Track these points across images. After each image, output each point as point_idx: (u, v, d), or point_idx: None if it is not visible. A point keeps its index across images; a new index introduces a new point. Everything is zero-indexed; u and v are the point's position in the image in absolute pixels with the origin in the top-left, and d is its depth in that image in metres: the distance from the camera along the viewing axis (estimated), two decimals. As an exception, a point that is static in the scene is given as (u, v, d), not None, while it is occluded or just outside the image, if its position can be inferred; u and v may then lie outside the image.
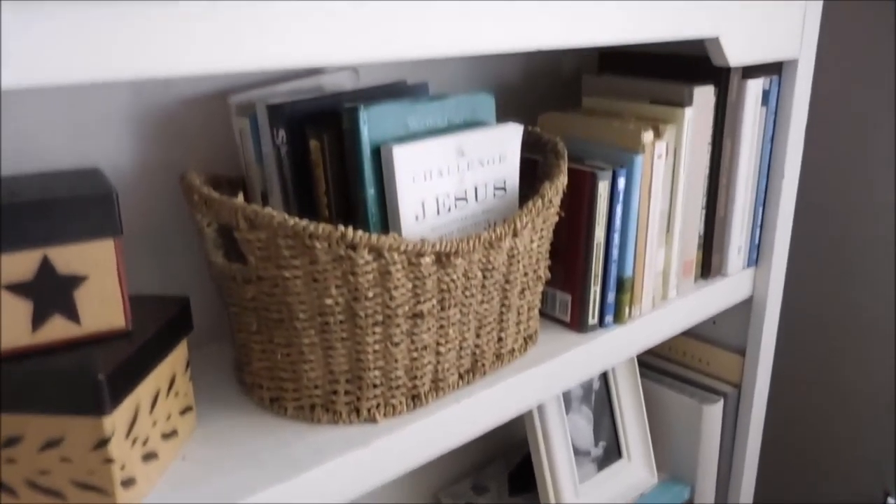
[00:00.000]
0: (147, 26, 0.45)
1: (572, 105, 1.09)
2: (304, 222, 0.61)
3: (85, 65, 0.43)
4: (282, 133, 0.72)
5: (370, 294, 0.65)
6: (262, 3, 0.49)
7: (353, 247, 0.62)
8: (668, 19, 0.79)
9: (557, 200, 0.79)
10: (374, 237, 0.63)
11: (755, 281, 1.11)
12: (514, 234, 0.73)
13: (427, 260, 0.66)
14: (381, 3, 0.56)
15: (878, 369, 1.36)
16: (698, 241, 1.02)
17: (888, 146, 1.27)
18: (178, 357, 0.65)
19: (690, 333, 1.20)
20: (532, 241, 0.77)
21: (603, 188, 0.85)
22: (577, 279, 0.88)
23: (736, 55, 0.89)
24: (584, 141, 0.92)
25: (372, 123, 0.68)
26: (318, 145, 0.70)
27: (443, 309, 0.70)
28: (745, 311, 1.13)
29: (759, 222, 1.08)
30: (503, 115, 1.06)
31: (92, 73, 0.43)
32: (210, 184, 0.74)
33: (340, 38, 0.54)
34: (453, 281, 0.69)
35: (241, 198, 0.64)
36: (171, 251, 0.80)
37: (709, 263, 1.04)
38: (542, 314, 0.92)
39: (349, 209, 0.72)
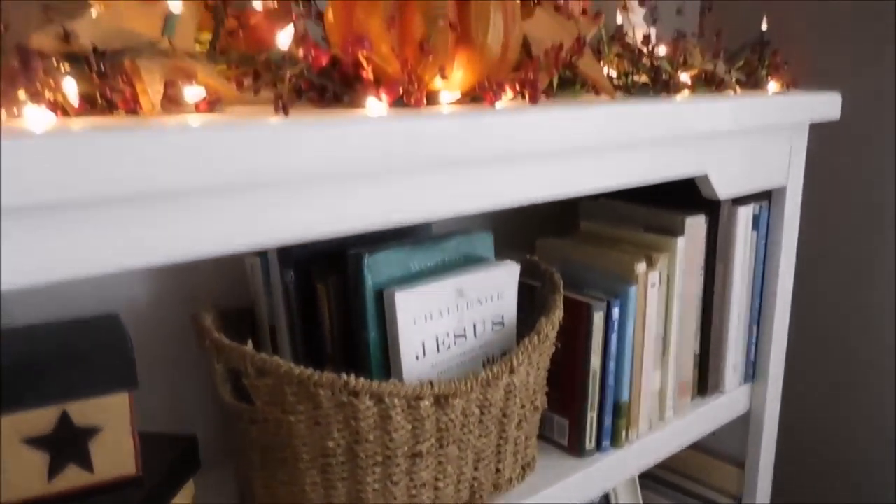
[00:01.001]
0: (158, 220, 0.49)
1: (570, 226, 1.13)
2: (309, 371, 0.65)
3: (104, 257, 0.47)
4: (290, 274, 0.76)
5: (371, 437, 0.67)
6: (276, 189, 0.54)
7: (355, 393, 0.65)
8: (657, 162, 0.83)
9: (553, 334, 0.82)
10: (375, 384, 0.66)
11: (752, 396, 1.13)
12: (511, 372, 0.76)
13: (426, 403, 0.69)
14: (396, 185, 0.60)
15: (880, 474, 1.36)
16: (694, 361, 1.04)
17: (885, 255, 1.30)
18: (185, 494, 0.68)
19: (690, 445, 1.21)
20: (529, 376, 0.80)
21: (598, 319, 0.88)
22: (574, 405, 0.91)
23: (724, 189, 0.94)
24: (580, 267, 0.95)
25: (375, 269, 0.72)
26: (325, 289, 0.74)
27: (441, 447, 0.72)
28: (743, 424, 1.14)
29: (754, 339, 1.10)
30: (504, 235, 1.11)
31: (110, 265, 0.47)
32: (220, 317, 0.78)
33: (353, 212, 0.59)
34: (451, 420, 0.72)
35: (249, 345, 0.67)
36: (182, 375, 0.83)
37: (705, 382, 1.06)
38: (541, 437, 0.94)
39: (353, 346, 0.75)
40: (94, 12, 0.53)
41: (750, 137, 0.95)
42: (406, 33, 0.62)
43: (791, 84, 1.04)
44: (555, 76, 0.75)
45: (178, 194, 0.49)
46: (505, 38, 0.65)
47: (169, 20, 0.52)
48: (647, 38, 0.91)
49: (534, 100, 0.65)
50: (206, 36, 0.62)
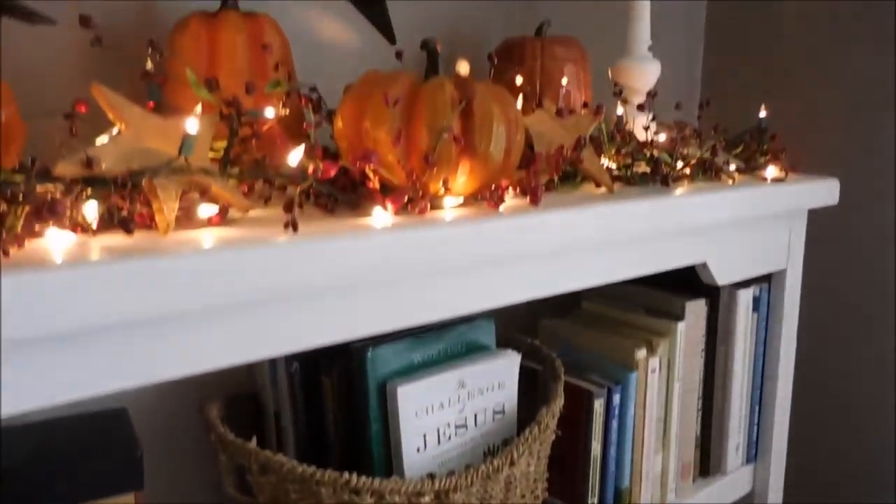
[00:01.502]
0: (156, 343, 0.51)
1: (572, 306, 1.14)
2: (311, 469, 0.66)
3: (117, 376, 0.49)
4: (295, 365, 0.77)
5: (371, 533, 0.68)
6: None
7: (356, 492, 0.66)
8: (657, 254, 0.85)
9: (554, 423, 0.83)
10: (377, 482, 0.67)
11: (755, 477, 1.13)
12: (512, 464, 0.77)
13: (426, 499, 0.70)
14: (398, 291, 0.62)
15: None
16: (696, 442, 1.05)
17: (886, 332, 1.31)
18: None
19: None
20: (529, 466, 0.80)
21: (599, 405, 0.89)
22: (575, 490, 0.91)
23: (724, 276, 0.95)
24: (582, 351, 0.97)
25: (377, 363, 0.74)
26: (329, 381, 0.76)
27: (441, 541, 0.73)
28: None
29: (756, 420, 1.11)
30: (506, 315, 1.12)
31: (123, 383, 0.49)
32: (227, 404, 0.79)
33: (362, 318, 0.61)
34: (452, 515, 0.72)
35: (254, 441, 0.69)
36: (189, 463, 0.84)
37: (707, 462, 1.06)
38: (542, 521, 0.94)
39: (356, 438, 0.76)
40: (114, 134, 0.56)
41: (749, 225, 0.96)
42: (412, 144, 0.64)
43: (790, 169, 1.05)
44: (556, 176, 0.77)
45: (192, 314, 0.51)
46: (507, 145, 0.67)
47: (186, 141, 0.55)
48: (646, 129, 0.93)
49: (535, 203, 0.67)
50: (221, 144, 0.65)
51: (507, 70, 0.99)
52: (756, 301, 1.06)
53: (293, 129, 0.75)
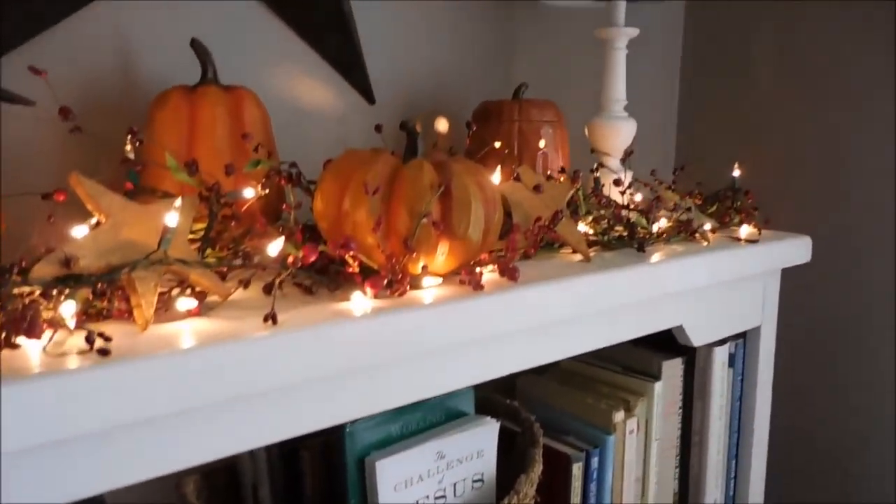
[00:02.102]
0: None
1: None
2: (290, 553, 0.65)
3: (98, 479, 0.48)
4: (274, 438, 0.77)
5: None
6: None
7: (335, 573, 0.66)
8: (634, 320, 0.86)
9: (533, 491, 0.83)
10: (356, 563, 0.66)
11: (732, 531, 1.13)
12: (491, 536, 0.77)
13: (405, 577, 0.69)
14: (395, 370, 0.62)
15: None
16: (674, 499, 1.05)
17: (860, 384, 1.33)
18: None
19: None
20: (508, 536, 0.80)
21: (577, 469, 0.89)
22: (554, 554, 0.91)
23: (700, 338, 0.96)
24: (559, 412, 0.97)
25: (357, 436, 0.74)
26: (308, 455, 0.75)
27: None
28: (724, 556, 1.15)
29: (733, 475, 1.12)
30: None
31: (104, 485, 0.49)
32: (204, 478, 0.79)
33: (344, 403, 0.61)
34: (431, 591, 0.72)
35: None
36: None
37: (685, 519, 1.07)
38: (521, 584, 0.94)
39: (334, 512, 0.76)
40: (93, 225, 0.56)
41: (724, 287, 0.98)
42: (391, 227, 0.64)
43: (763, 226, 1.07)
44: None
45: (171, 416, 0.51)
46: (486, 225, 0.68)
47: (166, 235, 0.55)
48: (622, 194, 0.95)
49: (514, 280, 0.68)
50: (200, 226, 0.65)
51: (486, 133, 1.00)
52: (732, 357, 1.08)
53: (273, 205, 0.75)
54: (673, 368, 1.01)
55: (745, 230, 1.05)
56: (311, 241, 0.63)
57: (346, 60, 0.99)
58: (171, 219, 0.56)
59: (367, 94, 1.03)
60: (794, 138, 1.37)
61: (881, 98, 1.26)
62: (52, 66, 0.78)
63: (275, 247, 0.59)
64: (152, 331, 0.54)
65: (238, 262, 0.60)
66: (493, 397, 0.95)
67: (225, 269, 0.64)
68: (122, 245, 0.56)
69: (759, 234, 1.04)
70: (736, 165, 1.11)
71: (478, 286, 0.64)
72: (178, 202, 0.58)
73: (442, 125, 1.14)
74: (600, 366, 1.03)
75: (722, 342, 1.06)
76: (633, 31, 1.08)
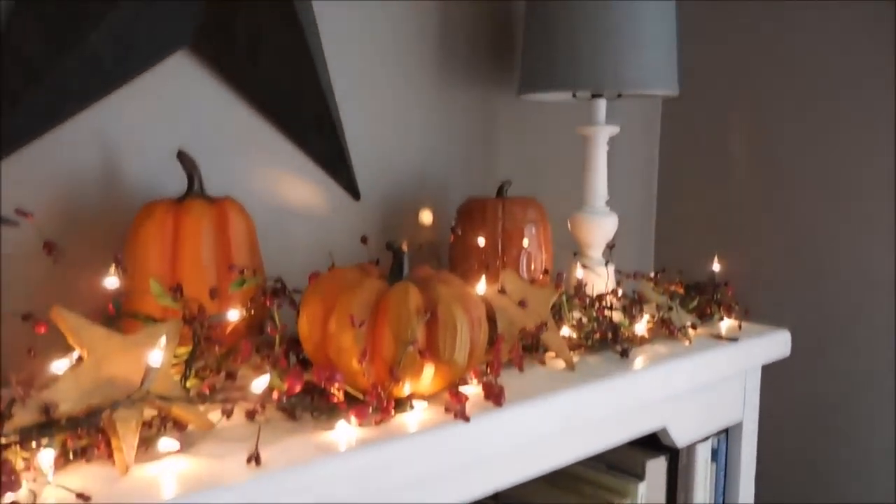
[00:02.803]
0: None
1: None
2: None
3: None
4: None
5: None
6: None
7: None
8: (619, 427, 0.86)
9: None
10: None
11: None
12: None
13: None
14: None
15: None
16: None
17: (843, 475, 1.33)
18: None
19: None
20: None
21: (562, 578, 0.88)
22: None
23: (683, 438, 0.96)
24: (544, 514, 0.96)
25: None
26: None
27: None
28: None
29: (717, 570, 1.10)
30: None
31: None
32: None
33: None
34: None
35: None
36: None
37: None
38: None
39: None
40: (74, 361, 0.56)
41: (706, 386, 0.98)
42: (376, 351, 0.64)
43: (743, 318, 1.09)
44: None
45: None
46: (472, 347, 0.68)
47: (149, 374, 0.54)
48: (606, 296, 0.96)
49: (499, 405, 0.68)
50: (183, 350, 0.64)
51: (470, 229, 1.01)
52: (714, 452, 1.08)
53: (258, 316, 0.74)
54: (657, 467, 1.00)
55: (726, 324, 1.06)
56: (295, 367, 0.63)
57: (332, 159, 1.00)
58: (156, 358, 0.55)
59: (353, 190, 1.04)
60: (770, 227, 1.40)
61: (856, 187, 1.29)
62: (34, 177, 0.78)
63: (260, 383, 0.58)
64: (133, 473, 0.53)
65: (222, 396, 0.59)
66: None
67: (207, 388, 0.63)
68: (103, 383, 0.55)
69: (740, 328, 1.05)
70: (716, 259, 1.13)
71: (464, 417, 0.64)
72: (162, 340, 0.57)
73: (426, 217, 1.15)
74: (585, 464, 1.02)
75: (704, 438, 1.06)
76: (615, 129, 1.10)
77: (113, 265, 0.63)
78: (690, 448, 1.04)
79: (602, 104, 1.09)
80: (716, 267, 1.13)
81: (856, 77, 1.28)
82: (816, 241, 1.34)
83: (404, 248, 0.71)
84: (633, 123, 1.45)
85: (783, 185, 1.38)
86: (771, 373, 1.11)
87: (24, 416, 0.50)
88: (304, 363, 0.72)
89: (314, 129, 0.96)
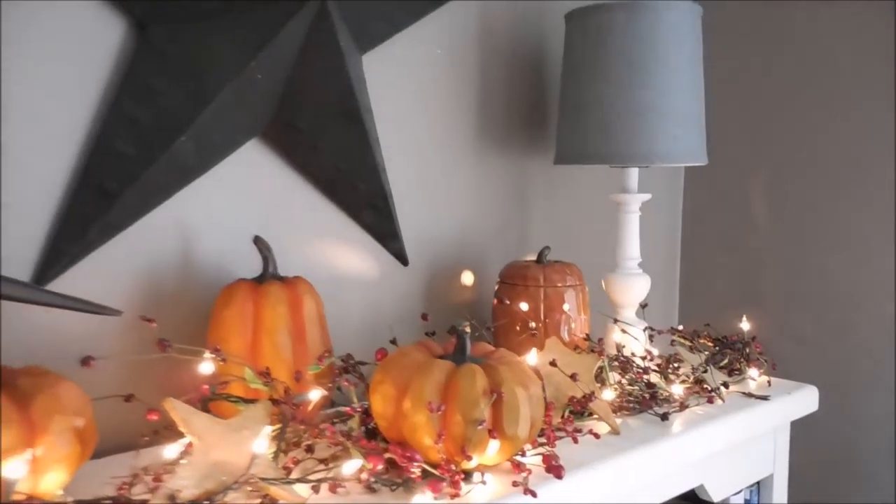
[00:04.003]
0: None
1: None
2: None
3: None
4: None
5: None
6: None
7: None
8: (660, 486, 0.92)
9: None
10: None
11: None
12: None
13: None
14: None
15: None
16: None
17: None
18: None
19: None
20: None
21: None
22: None
23: (718, 493, 1.02)
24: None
25: None
26: None
27: None
28: None
29: None
30: None
31: None
32: None
33: None
34: None
35: None
36: None
37: None
38: None
39: None
40: (186, 447, 0.62)
41: (739, 445, 1.04)
42: (447, 431, 0.70)
43: (771, 372, 1.14)
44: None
45: None
46: (532, 422, 0.74)
47: (255, 460, 0.61)
48: (643, 358, 1.02)
49: (559, 478, 0.74)
50: (273, 428, 0.71)
51: (513, 293, 1.08)
52: (747, 503, 1.13)
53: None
54: (692, 519, 1.05)
55: (754, 380, 1.12)
56: (374, 446, 0.69)
57: (384, 230, 1.07)
58: (261, 445, 0.62)
59: (402, 257, 1.11)
60: (788, 283, 1.46)
61: (869, 244, 1.35)
62: (123, 261, 0.85)
63: (352, 466, 0.64)
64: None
65: (317, 476, 0.65)
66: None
67: (292, 462, 0.69)
68: (214, 468, 0.61)
69: (769, 384, 1.11)
70: (744, 318, 1.19)
71: (532, 493, 0.70)
72: (267, 428, 0.64)
73: (467, 279, 1.22)
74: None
75: (738, 492, 1.11)
76: (646, 196, 1.17)
77: (211, 354, 0.69)
78: (724, 501, 1.09)
79: (634, 173, 1.16)
80: (744, 325, 1.19)
81: (861, 137, 1.35)
82: (840, 294, 1.40)
83: (467, 329, 0.77)
84: (659, 185, 1.52)
85: (801, 242, 1.44)
86: (798, 424, 1.17)
87: (159, 499, 0.56)
88: (371, 433, 0.79)
89: (368, 204, 1.03)
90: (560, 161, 1.16)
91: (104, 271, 0.84)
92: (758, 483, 1.15)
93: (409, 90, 1.11)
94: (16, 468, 0.56)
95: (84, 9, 0.81)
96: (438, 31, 1.14)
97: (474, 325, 0.77)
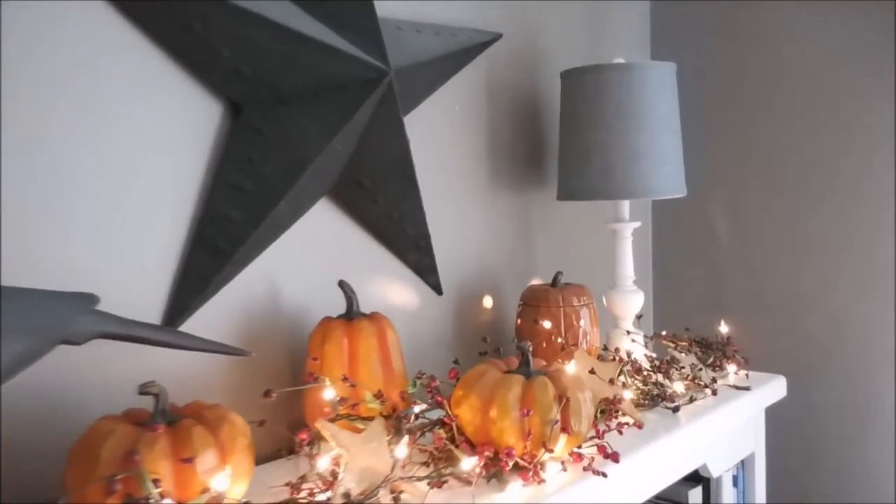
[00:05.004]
0: None
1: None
2: None
3: None
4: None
5: None
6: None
7: None
8: (676, 467, 1.12)
9: None
10: None
11: None
12: None
13: None
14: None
15: None
16: None
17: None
18: None
19: None
20: None
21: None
22: None
23: (716, 469, 1.23)
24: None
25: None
26: None
27: None
28: None
29: (743, 574, 1.37)
30: None
31: None
32: None
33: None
34: None
35: None
36: None
37: None
38: None
39: None
40: (337, 456, 0.78)
41: (732, 429, 1.25)
42: (529, 428, 0.88)
43: (744, 366, 1.36)
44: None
45: None
46: (589, 418, 0.93)
47: (397, 463, 0.77)
48: (650, 362, 1.22)
49: (616, 462, 0.93)
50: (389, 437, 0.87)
51: (535, 312, 1.26)
52: (735, 479, 1.35)
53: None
54: (695, 495, 1.26)
55: (735, 374, 1.34)
56: (475, 446, 0.87)
57: (424, 266, 1.24)
58: (401, 452, 0.78)
59: (437, 288, 1.28)
60: (750, 287, 1.70)
61: (825, 247, 1.60)
62: (226, 307, 1.00)
63: (469, 463, 0.82)
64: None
65: (435, 476, 0.82)
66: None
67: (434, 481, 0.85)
68: (364, 472, 0.78)
69: (748, 377, 1.33)
70: (723, 322, 1.41)
71: (602, 474, 0.89)
72: (400, 450, 0.80)
73: (487, 302, 1.40)
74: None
75: (728, 469, 1.32)
76: (637, 224, 1.37)
77: (341, 380, 0.85)
78: (718, 481, 1.30)
79: (626, 205, 1.37)
80: (723, 328, 1.40)
81: (803, 155, 1.60)
82: (785, 295, 1.65)
83: (529, 347, 0.96)
84: (631, 211, 1.74)
85: (758, 251, 1.68)
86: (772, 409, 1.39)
87: (338, 498, 0.72)
88: (451, 438, 0.96)
89: (414, 245, 1.20)
90: (564, 197, 1.35)
91: (212, 317, 0.99)
92: (742, 461, 1.36)
93: (434, 143, 1.29)
94: (222, 482, 0.71)
95: (187, 94, 0.96)
96: (455, 90, 1.32)
97: (523, 345, 0.96)
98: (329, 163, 1.02)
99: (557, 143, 1.38)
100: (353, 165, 1.07)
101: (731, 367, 1.35)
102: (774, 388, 1.34)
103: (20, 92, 0.82)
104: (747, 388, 1.28)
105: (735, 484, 1.35)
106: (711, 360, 1.35)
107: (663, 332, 1.42)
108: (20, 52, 0.82)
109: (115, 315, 0.73)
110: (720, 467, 1.25)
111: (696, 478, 1.26)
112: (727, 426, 1.20)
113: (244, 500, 0.73)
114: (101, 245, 0.89)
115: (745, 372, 1.35)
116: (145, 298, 0.93)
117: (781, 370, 1.37)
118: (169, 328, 0.92)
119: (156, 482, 0.65)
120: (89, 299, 0.72)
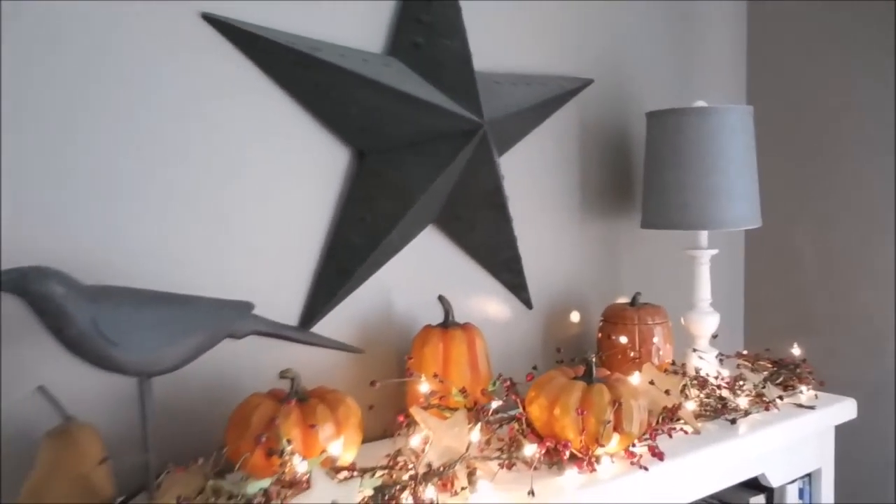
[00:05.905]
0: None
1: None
2: None
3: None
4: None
5: None
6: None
7: None
8: (732, 473, 1.25)
9: None
10: None
11: None
12: None
13: None
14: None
15: None
16: None
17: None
18: None
19: None
20: None
21: (695, 579, 1.26)
22: None
23: (776, 480, 1.35)
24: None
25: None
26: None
27: None
28: None
29: (807, 582, 1.46)
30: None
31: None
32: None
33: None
34: None
35: None
36: None
37: None
38: None
39: None
40: (425, 436, 1.00)
41: (793, 443, 1.36)
42: (584, 426, 1.06)
43: (818, 387, 1.46)
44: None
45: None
46: (640, 422, 1.09)
47: (471, 444, 0.98)
48: (716, 378, 1.36)
49: (661, 460, 1.09)
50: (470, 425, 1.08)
51: (614, 329, 1.43)
52: (801, 492, 1.45)
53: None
54: (758, 502, 1.38)
55: (805, 394, 1.44)
56: (539, 438, 1.06)
57: (515, 283, 1.43)
58: (476, 436, 0.99)
59: (528, 302, 1.47)
60: (840, 308, 1.78)
61: (905, 283, 1.66)
62: (346, 315, 1.24)
63: (530, 449, 1.01)
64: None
65: (505, 458, 1.02)
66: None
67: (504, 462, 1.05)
68: (445, 450, 0.99)
69: (816, 398, 1.43)
70: (795, 344, 1.51)
71: (643, 467, 1.05)
72: (474, 434, 1.01)
73: (575, 317, 1.58)
74: (701, 500, 1.41)
75: (793, 481, 1.43)
76: (715, 251, 1.51)
77: (431, 376, 1.07)
78: (782, 488, 1.42)
79: (705, 234, 1.51)
80: (796, 350, 1.51)
81: (873, 189, 1.66)
82: (878, 331, 1.71)
83: (593, 359, 1.13)
84: (723, 241, 1.86)
85: (846, 277, 1.75)
86: (845, 429, 1.48)
87: (422, 468, 0.93)
88: (522, 430, 1.15)
89: (506, 267, 1.40)
90: (647, 226, 1.51)
91: (336, 322, 1.23)
92: (809, 475, 1.46)
93: (528, 177, 1.49)
94: (336, 447, 0.95)
95: (321, 143, 1.21)
96: (549, 130, 1.51)
97: (591, 358, 1.13)
98: (432, 199, 1.24)
99: (642, 177, 1.54)
100: (453, 200, 1.29)
101: (802, 387, 1.46)
102: (843, 410, 1.43)
103: (192, 136, 1.10)
104: (811, 408, 1.38)
105: (801, 496, 1.45)
106: (781, 379, 1.47)
107: (744, 352, 1.54)
108: (193, 107, 1.09)
109: (266, 318, 0.99)
110: (781, 478, 1.36)
111: (758, 486, 1.38)
112: (786, 439, 1.32)
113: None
114: (255, 263, 1.15)
115: (815, 392, 1.45)
116: (287, 306, 1.19)
117: (858, 394, 1.45)
118: (303, 329, 1.18)
119: (289, 442, 0.89)
120: (247, 306, 0.97)
